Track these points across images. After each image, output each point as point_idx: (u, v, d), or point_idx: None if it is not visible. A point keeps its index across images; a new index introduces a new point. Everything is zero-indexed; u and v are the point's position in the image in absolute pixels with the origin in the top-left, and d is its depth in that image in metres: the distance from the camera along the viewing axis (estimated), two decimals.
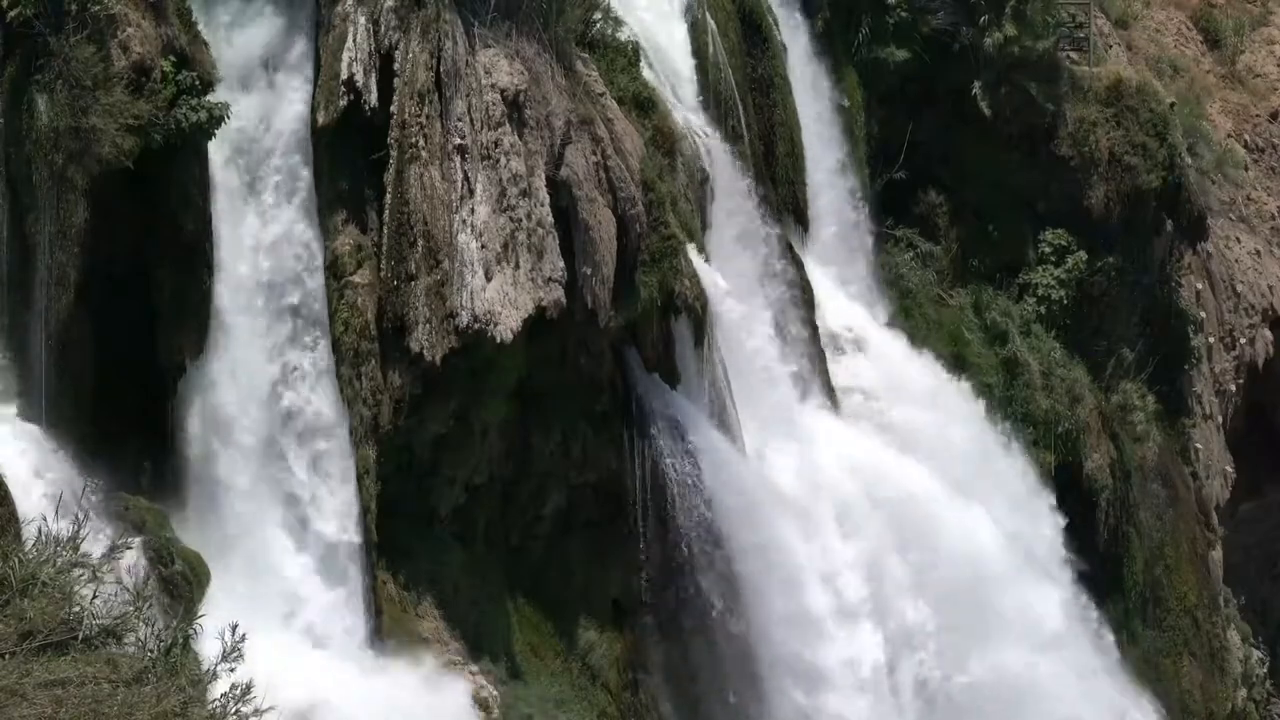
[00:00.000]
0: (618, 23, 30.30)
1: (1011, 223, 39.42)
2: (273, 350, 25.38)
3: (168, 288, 23.88)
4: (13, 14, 22.24)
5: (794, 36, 35.68)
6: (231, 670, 12.03)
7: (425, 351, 25.71)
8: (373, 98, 25.69)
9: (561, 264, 26.74)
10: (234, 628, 12.07)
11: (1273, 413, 46.14)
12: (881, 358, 35.37)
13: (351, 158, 26.13)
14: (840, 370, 34.56)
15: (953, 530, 33.29)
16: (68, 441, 22.46)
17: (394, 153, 25.84)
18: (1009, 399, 37.82)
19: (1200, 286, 43.16)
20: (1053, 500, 37.04)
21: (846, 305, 35.62)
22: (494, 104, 26.51)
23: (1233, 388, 44.51)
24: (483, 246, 26.05)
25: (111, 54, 22.75)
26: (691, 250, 29.85)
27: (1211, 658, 41.50)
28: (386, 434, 25.96)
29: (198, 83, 23.42)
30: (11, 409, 22.64)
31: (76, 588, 12.54)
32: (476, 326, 25.77)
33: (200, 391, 24.39)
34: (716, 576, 29.43)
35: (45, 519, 13.33)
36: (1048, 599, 34.98)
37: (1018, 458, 36.93)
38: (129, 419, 23.99)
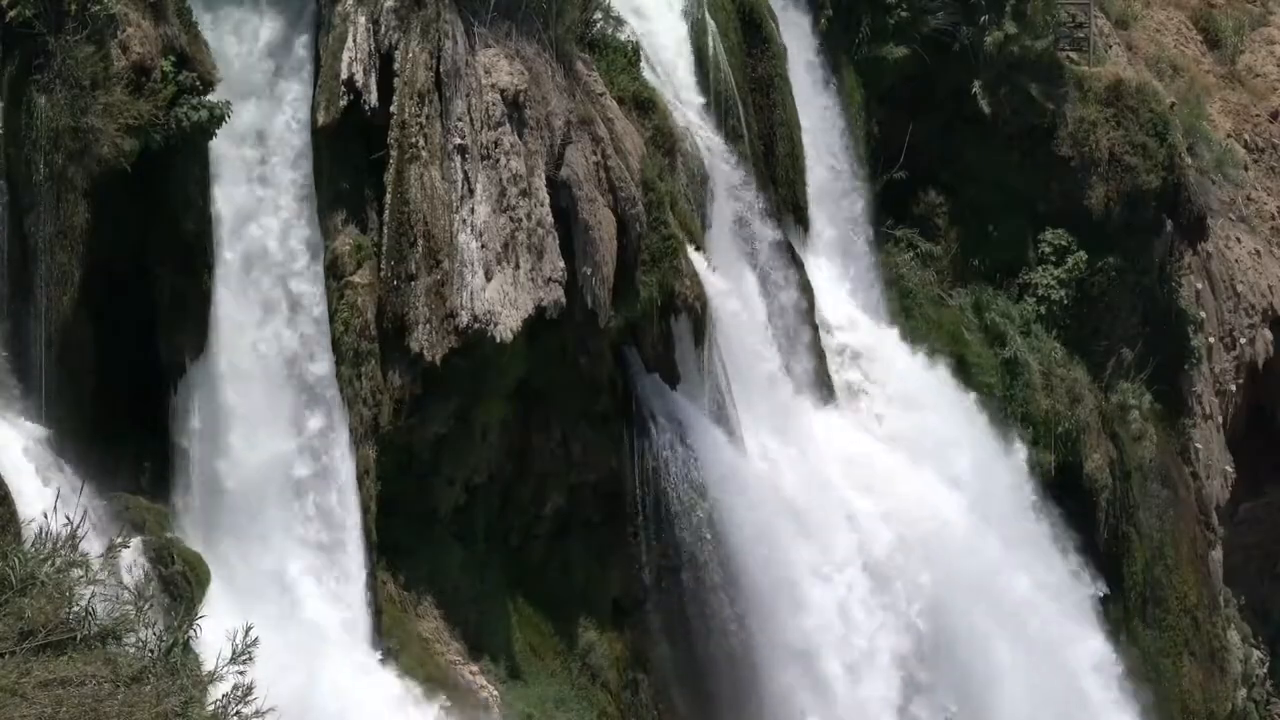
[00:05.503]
0: (618, 23, 30.29)
1: (1011, 223, 39.40)
2: None
3: (168, 288, 23.88)
4: (13, 14, 22.23)
5: (794, 36, 35.63)
6: (241, 672, 12.01)
7: (425, 351, 25.71)
8: (373, 98, 25.69)
9: (561, 264, 26.74)
10: (247, 629, 12.05)
11: (1273, 413, 46.11)
12: (881, 358, 35.36)
13: (351, 158, 26.13)
14: (840, 370, 34.54)
15: (953, 528, 33.28)
16: (68, 441, 22.45)
17: (394, 153, 25.84)
18: (1009, 399, 37.81)
19: (1200, 286, 43.14)
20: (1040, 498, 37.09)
21: (846, 305, 35.60)
22: (494, 104, 26.51)
23: (1233, 388, 44.48)
24: (483, 246, 26.06)
25: (111, 54, 22.75)
26: (691, 250, 29.85)
27: (1211, 658, 41.48)
28: (386, 434, 25.96)
29: (198, 82, 23.42)
30: (12, 408, 22.63)
31: (76, 587, 12.53)
32: (476, 326, 25.77)
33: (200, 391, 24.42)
34: (716, 576, 29.42)
35: (45, 517, 13.33)
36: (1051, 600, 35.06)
37: (1016, 457, 36.92)
38: (129, 419, 24.00)
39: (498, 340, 26.00)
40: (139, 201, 23.48)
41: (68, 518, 13.08)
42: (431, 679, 25.95)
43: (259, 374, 25.13)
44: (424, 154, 25.87)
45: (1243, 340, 44.72)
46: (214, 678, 11.84)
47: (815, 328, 33.53)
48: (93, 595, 12.47)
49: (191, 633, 13.13)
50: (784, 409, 32.13)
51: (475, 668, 27.01)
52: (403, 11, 26.05)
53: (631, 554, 29.24)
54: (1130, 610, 39.27)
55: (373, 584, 25.78)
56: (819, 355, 33.60)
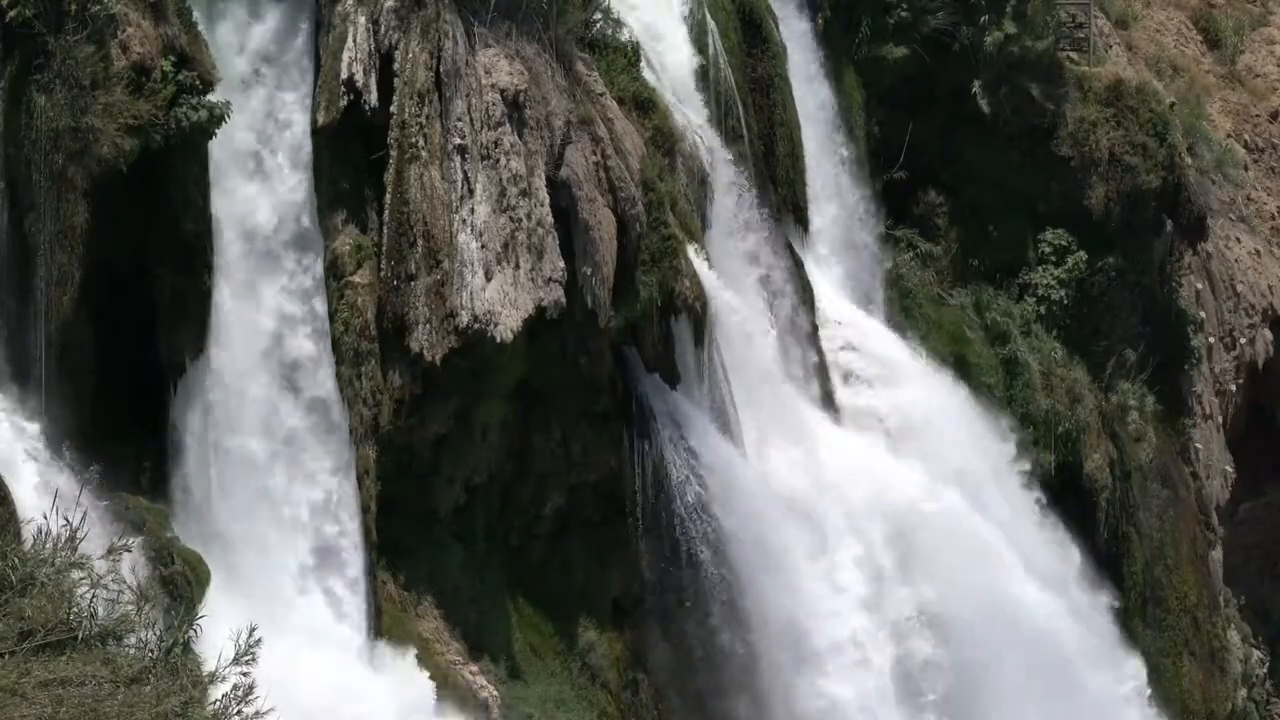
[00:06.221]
0: (618, 23, 30.30)
1: (1011, 223, 39.41)
2: None
3: (168, 288, 23.88)
4: (13, 14, 22.23)
5: (794, 36, 35.64)
6: (245, 674, 11.99)
7: (425, 351, 25.71)
8: (373, 98, 25.68)
9: (561, 264, 26.74)
10: (250, 630, 12.03)
11: (1273, 413, 46.12)
12: (881, 357, 35.35)
13: (351, 158, 26.13)
14: (840, 370, 34.54)
15: (953, 529, 33.27)
16: (68, 441, 22.44)
17: (394, 153, 25.84)
18: (1009, 399, 37.80)
19: (1200, 286, 43.15)
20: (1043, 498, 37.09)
21: (846, 305, 35.60)
22: (494, 104, 26.51)
23: (1233, 388, 44.49)
24: (483, 246, 26.06)
25: (111, 54, 22.74)
26: (691, 250, 29.85)
27: (1211, 658, 41.48)
28: (386, 434, 25.96)
29: (198, 82, 23.41)
30: (12, 408, 22.62)
31: (76, 589, 12.51)
32: (476, 326, 25.77)
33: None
34: (716, 576, 29.41)
35: (45, 518, 13.31)
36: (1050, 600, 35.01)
37: (1016, 456, 36.92)
38: (129, 419, 23.99)
39: (498, 340, 26.00)
40: (139, 201, 23.46)
41: (67, 518, 13.07)
42: (431, 679, 25.94)
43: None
44: (424, 154, 25.87)
45: (1243, 340, 44.73)
46: (216, 678, 11.83)
47: (815, 328, 33.55)
48: (93, 596, 12.46)
49: (192, 633, 13.12)
50: (784, 409, 32.13)
51: (475, 668, 27.00)
52: (403, 11, 26.05)
53: (631, 554, 29.23)
54: (1130, 610, 39.25)
55: (373, 584, 25.78)
56: (819, 355, 33.60)
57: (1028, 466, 36.98)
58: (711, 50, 32.60)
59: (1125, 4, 45.92)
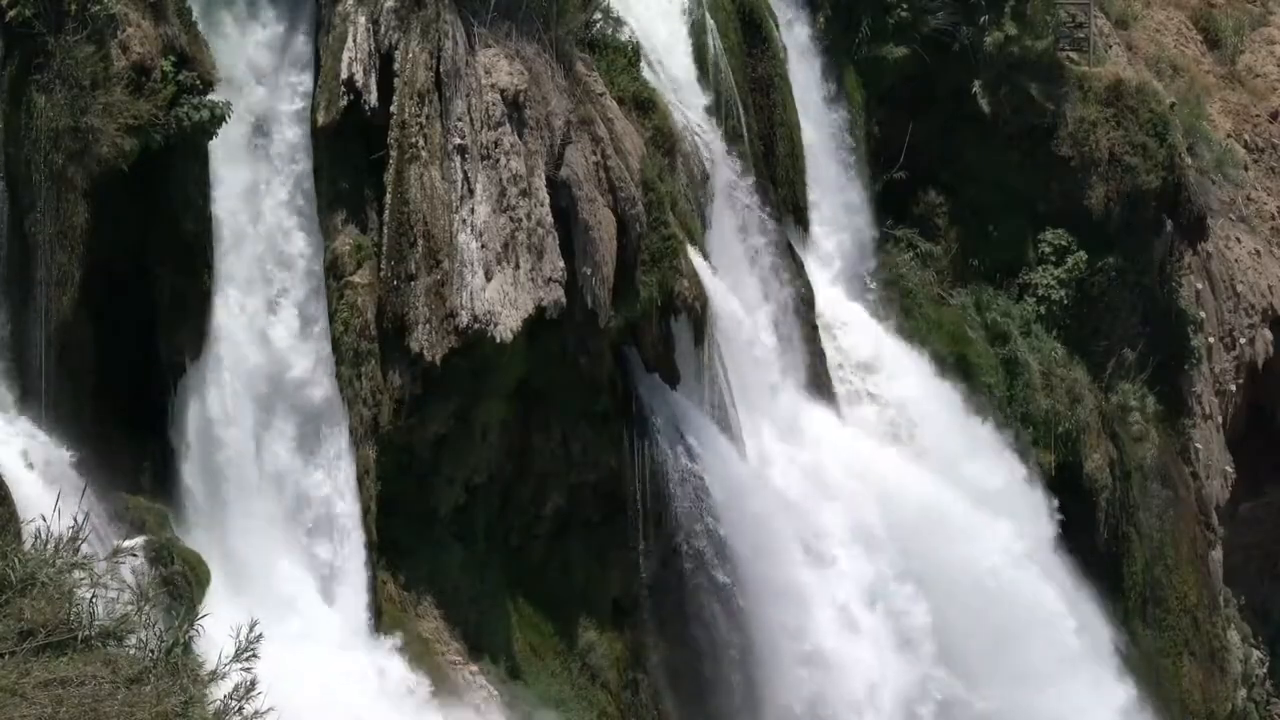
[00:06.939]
0: (618, 23, 30.30)
1: (1011, 223, 39.41)
2: None
3: (168, 288, 23.89)
4: (12, 14, 22.24)
5: (794, 36, 35.67)
6: (247, 669, 11.99)
7: (425, 351, 25.71)
8: (373, 98, 25.69)
9: (561, 264, 26.75)
10: (251, 625, 12.01)
11: (1273, 413, 46.12)
12: (881, 357, 35.37)
13: (351, 158, 26.13)
14: (839, 369, 34.55)
15: (953, 529, 33.29)
16: (68, 441, 22.45)
17: (394, 153, 25.85)
18: (1009, 399, 37.81)
19: (1200, 286, 43.15)
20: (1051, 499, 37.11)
21: (846, 305, 35.61)
22: (494, 104, 26.52)
23: (1233, 388, 44.49)
24: (483, 246, 26.06)
25: (111, 54, 22.75)
26: (691, 250, 29.84)
27: (1211, 658, 41.49)
28: (386, 434, 25.97)
29: (198, 82, 23.42)
30: (11, 408, 22.63)
31: (77, 589, 12.51)
32: (476, 326, 25.78)
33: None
34: (716, 576, 29.42)
35: (45, 518, 13.30)
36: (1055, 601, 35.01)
37: (1011, 453, 36.93)
38: (129, 419, 23.99)
39: (498, 340, 26.01)
40: (139, 201, 23.48)
41: (74, 517, 13.07)
42: (431, 679, 25.95)
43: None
44: (424, 154, 25.87)
45: (1243, 340, 44.73)
46: (216, 675, 11.82)
47: (815, 327, 33.55)
48: (93, 596, 12.45)
49: (193, 633, 13.11)
50: (784, 409, 32.14)
51: (475, 668, 27.01)
52: (403, 11, 26.05)
53: (631, 554, 29.24)
54: (1130, 610, 39.27)
55: (373, 584, 25.79)
56: (819, 355, 33.60)
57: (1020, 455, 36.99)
58: (711, 50, 32.60)
59: (1125, 4, 45.92)
